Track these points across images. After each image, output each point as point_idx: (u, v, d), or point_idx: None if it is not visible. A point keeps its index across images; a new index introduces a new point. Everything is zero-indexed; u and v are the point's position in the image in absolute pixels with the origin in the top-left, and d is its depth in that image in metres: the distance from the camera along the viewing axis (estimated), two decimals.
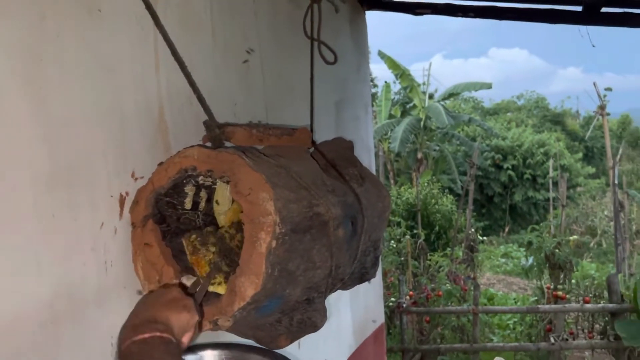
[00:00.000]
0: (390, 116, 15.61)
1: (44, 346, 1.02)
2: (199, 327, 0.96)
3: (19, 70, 0.99)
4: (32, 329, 1.00)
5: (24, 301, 0.99)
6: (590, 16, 2.31)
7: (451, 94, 15.80)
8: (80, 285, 1.10)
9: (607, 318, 5.30)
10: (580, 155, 20.40)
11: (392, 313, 5.47)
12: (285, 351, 1.29)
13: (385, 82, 15.48)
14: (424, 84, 15.95)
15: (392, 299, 5.59)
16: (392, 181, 15.11)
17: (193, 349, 1.17)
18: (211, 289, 1.14)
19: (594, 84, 7.01)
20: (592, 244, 12.06)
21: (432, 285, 6.00)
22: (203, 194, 1.26)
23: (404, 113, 16.22)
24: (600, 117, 7.55)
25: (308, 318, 1.27)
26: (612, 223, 9.38)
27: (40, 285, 1.02)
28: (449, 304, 5.79)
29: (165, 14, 1.32)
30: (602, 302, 5.58)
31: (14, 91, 0.98)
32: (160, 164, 1.19)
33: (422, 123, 14.75)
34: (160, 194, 1.18)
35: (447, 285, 5.95)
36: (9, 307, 0.96)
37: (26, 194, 0.99)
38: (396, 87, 16.81)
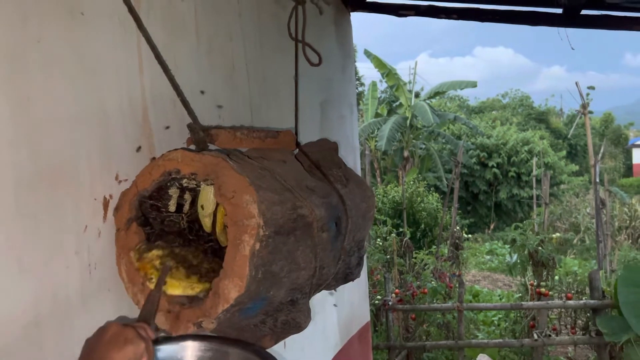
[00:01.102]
0: (377, 115, 15.68)
1: (27, 348, 1.02)
2: (151, 349, 0.95)
3: (0, 72, 0.99)
4: (15, 331, 1.00)
5: (5, 303, 0.99)
6: (570, 18, 2.35)
7: (437, 93, 15.90)
8: (63, 287, 1.10)
9: (589, 314, 5.39)
10: (563, 153, 20.68)
11: (378, 311, 5.51)
12: (271, 350, 1.30)
13: (372, 81, 15.54)
14: (409, 82, 16.04)
15: (378, 296, 5.63)
16: (378, 179, 15.19)
17: (174, 339, 1.18)
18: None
19: (577, 83, 7.10)
20: (575, 241, 12.23)
21: (418, 282, 6.05)
22: (187, 197, 1.26)
23: (391, 112, 16.30)
24: (583, 116, 7.66)
25: (292, 319, 1.28)
26: (594, 220, 9.51)
27: (22, 288, 1.02)
28: (435, 301, 5.84)
29: (148, 16, 1.32)
30: (584, 298, 5.67)
31: None
32: (151, 162, 1.19)
33: (408, 122, 14.84)
34: (144, 196, 1.18)
35: (433, 282, 6.00)
36: None
37: (8, 196, 0.99)
38: (382, 85, 16.89)
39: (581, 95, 7.08)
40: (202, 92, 1.54)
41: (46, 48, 1.08)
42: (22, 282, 1.02)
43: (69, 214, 1.12)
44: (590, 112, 8.59)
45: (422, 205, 10.11)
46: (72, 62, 1.14)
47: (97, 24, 1.19)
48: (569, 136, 22.29)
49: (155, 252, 1.17)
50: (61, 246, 1.10)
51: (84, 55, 1.17)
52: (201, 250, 1.30)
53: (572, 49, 2.31)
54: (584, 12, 2.34)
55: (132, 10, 1.14)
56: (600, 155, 7.85)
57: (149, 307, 1.06)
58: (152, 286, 1.12)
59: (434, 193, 11.54)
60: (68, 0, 1.13)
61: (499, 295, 8.69)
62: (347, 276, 1.64)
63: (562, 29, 2.35)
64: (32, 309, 1.04)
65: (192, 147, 1.25)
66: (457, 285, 5.76)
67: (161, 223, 1.24)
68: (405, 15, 2.54)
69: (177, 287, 1.11)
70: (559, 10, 2.35)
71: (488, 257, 12.50)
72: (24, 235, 1.02)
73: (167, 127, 1.39)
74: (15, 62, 1.02)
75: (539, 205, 10.02)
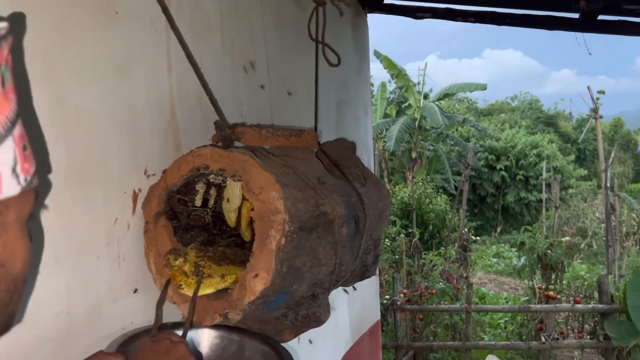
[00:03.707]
0: (386, 115, 15.67)
1: (59, 335, 1.06)
2: None
3: (39, 68, 1.03)
4: (48, 319, 1.04)
5: (40, 291, 1.02)
6: (587, 23, 2.36)
7: (446, 95, 15.87)
8: (94, 277, 1.14)
9: (597, 318, 5.39)
10: (572, 157, 20.56)
11: (386, 310, 5.53)
12: (286, 345, 1.34)
13: (382, 81, 15.53)
14: (419, 83, 16.01)
15: (387, 296, 5.66)
16: (386, 180, 15.18)
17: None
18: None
19: (589, 87, 7.09)
20: (582, 245, 12.18)
21: (426, 283, 6.07)
22: (213, 192, 1.30)
23: (399, 112, 16.30)
24: (594, 120, 7.64)
25: (313, 313, 1.31)
26: (602, 225, 9.48)
27: (56, 277, 1.06)
28: (442, 302, 5.86)
29: (177, 17, 1.36)
30: (592, 302, 5.67)
31: (34, 89, 1.01)
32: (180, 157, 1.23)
33: (417, 123, 14.82)
34: (172, 191, 1.22)
35: (441, 283, 6.02)
36: (26, 296, 0.99)
37: (44, 189, 1.03)
38: (391, 86, 16.87)
39: (593, 99, 7.07)
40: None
41: (81, 47, 1.12)
42: (56, 271, 1.06)
43: (100, 207, 1.16)
44: (600, 117, 8.57)
45: (431, 206, 10.12)
46: (105, 61, 1.18)
47: (129, 24, 1.23)
48: (578, 141, 22.17)
49: (182, 260, 1.20)
50: (93, 238, 1.14)
51: (117, 54, 1.21)
52: (224, 244, 1.34)
53: (590, 54, 2.33)
54: (600, 17, 2.36)
55: (165, 11, 1.18)
56: (610, 160, 7.83)
57: (185, 324, 1.08)
58: (185, 291, 1.15)
59: (442, 195, 11.54)
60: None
61: (505, 298, 8.68)
62: (364, 274, 1.68)
63: (579, 34, 2.37)
64: (65, 297, 1.07)
65: (218, 144, 1.28)
66: (464, 287, 5.78)
67: (187, 217, 1.28)
68: (422, 18, 2.56)
69: (209, 287, 1.14)
70: (576, 15, 2.37)
71: (495, 260, 12.48)
72: (58, 227, 1.06)
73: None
74: (52, 61, 1.06)
75: (547, 209, 10.00)
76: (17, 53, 0.99)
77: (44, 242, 1.04)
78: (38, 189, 0.59)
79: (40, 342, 1.02)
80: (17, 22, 0.97)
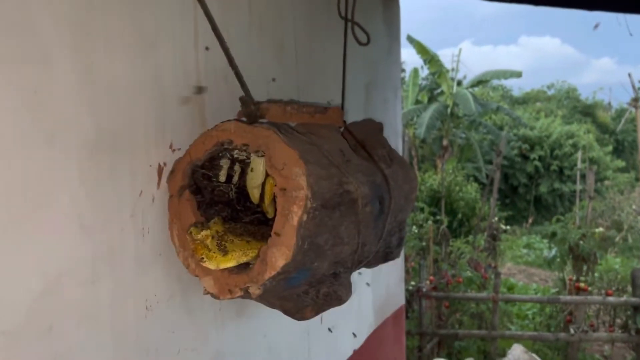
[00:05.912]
0: (417, 102, 15.47)
1: (84, 304, 1.08)
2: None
3: (68, 41, 1.04)
4: (74, 288, 1.06)
5: (66, 260, 1.04)
6: (629, 3, 2.25)
7: (480, 81, 15.55)
8: (119, 248, 1.16)
9: (629, 312, 5.25)
10: (610, 148, 19.95)
11: (412, 297, 5.51)
12: (308, 323, 1.33)
13: (414, 67, 15.30)
14: (452, 70, 15.73)
15: (412, 282, 5.63)
16: (415, 167, 15.03)
17: None
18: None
19: (629, 75, 6.84)
20: (617, 239, 11.85)
21: (453, 271, 6.01)
22: (237, 168, 1.30)
23: (431, 99, 16.06)
24: (633, 110, 7.37)
25: (334, 291, 1.31)
26: (639, 217, 9.19)
27: (82, 246, 1.07)
28: (469, 290, 5.80)
29: None
30: (625, 296, 5.53)
31: (63, 61, 1.02)
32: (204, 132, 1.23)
33: (449, 110, 14.59)
34: (196, 165, 1.22)
35: (468, 272, 5.95)
36: (52, 265, 1.01)
37: (72, 158, 1.05)
38: (424, 72, 16.61)
39: (634, 87, 6.82)
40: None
41: (109, 18, 1.12)
42: (82, 240, 1.08)
43: (126, 179, 1.17)
44: None
45: (460, 194, 9.99)
46: (132, 33, 1.18)
47: None
48: (617, 131, 21.47)
49: (205, 233, 1.20)
50: (118, 209, 1.16)
51: (144, 27, 1.21)
52: (248, 221, 1.34)
53: (631, 34, 2.23)
54: None
55: None
56: None
57: None
58: (207, 264, 1.15)
59: (472, 183, 11.37)
60: None
61: (535, 290, 8.54)
62: (387, 255, 1.66)
63: (620, 16, 2.27)
64: (90, 267, 1.09)
65: (242, 119, 1.28)
66: (492, 276, 5.70)
67: (211, 192, 1.28)
68: None
69: (230, 260, 1.15)
70: None
71: (525, 250, 12.28)
72: (85, 196, 1.08)
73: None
74: (80, 31, 1.06)
75: (581, 200, 9.75)
76: None
77: None
78: None
79: (65, 309, 1.04)
80: None
